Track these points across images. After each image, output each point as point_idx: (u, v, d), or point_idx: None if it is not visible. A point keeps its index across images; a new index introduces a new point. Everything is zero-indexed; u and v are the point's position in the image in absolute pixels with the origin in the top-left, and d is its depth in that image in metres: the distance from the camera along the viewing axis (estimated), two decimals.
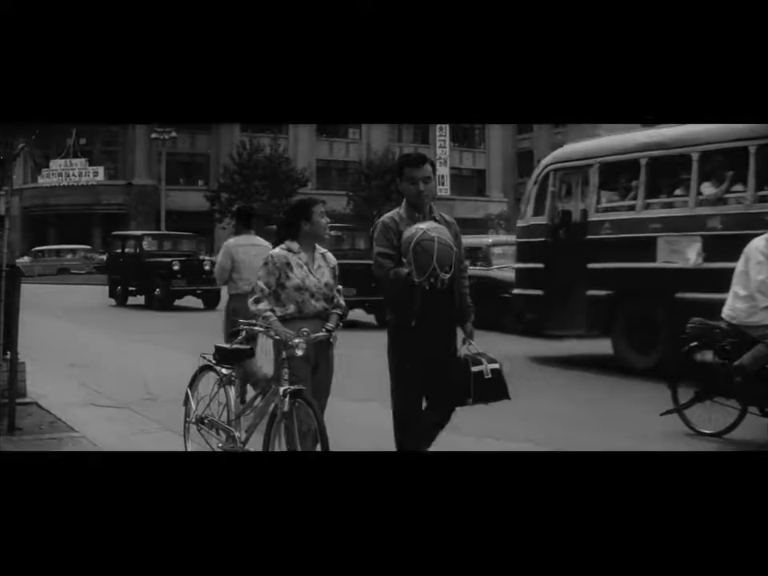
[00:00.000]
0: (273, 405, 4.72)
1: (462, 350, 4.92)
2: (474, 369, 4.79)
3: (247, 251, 7.66)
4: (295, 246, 4.96)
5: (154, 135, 45.83)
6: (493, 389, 4.85)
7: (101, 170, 52.54)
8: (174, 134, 46.16)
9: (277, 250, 5.01)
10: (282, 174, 46.27)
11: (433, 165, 4.87)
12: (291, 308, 4.87)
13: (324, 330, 4.85)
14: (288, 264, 4.89)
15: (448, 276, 4.55)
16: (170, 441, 6.37)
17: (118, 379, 9.45)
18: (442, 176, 57.75)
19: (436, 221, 4.78)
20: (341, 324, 4.98)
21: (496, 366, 4.88)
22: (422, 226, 4.56)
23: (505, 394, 4.91)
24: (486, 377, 4.80)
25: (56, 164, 52.50)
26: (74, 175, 52.22)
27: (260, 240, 7.91)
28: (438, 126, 59.01)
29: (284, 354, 4.69)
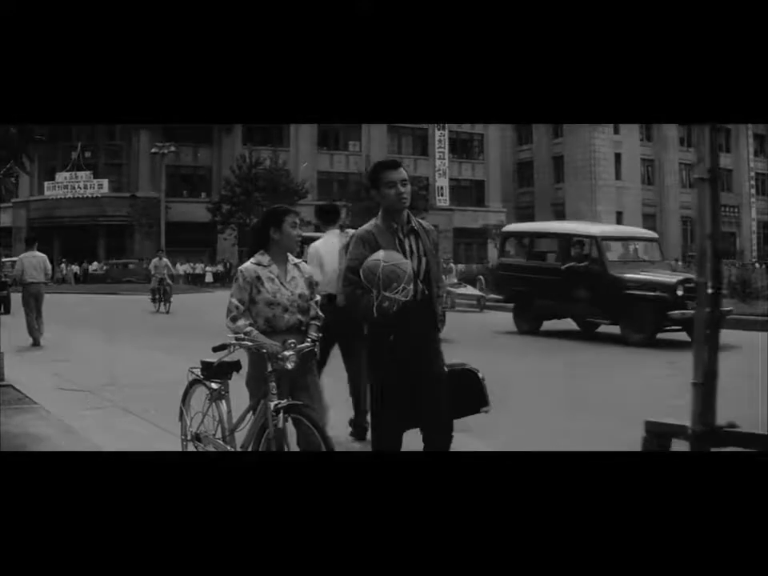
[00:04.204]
0: (262, 421, 4.57)
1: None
2: (481, 375, 4.81)
3: (30, 260, 14.32)
4: (265, 258, 4.76)
5: (153, 150, 46.52)
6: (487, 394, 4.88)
7: (105, 182, 53.24)
8: (173, 147, 46.87)
9: (246, 264, 4.80)
10: (281, 186, 47.01)
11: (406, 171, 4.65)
12: (261, 323, 4.68)
13: (308, 340, 4.71)
14: (258, 278, 4.69)
15: (403, 297, 4.31)
16: (116, 416, 7.86)
17: (88, 370, 10.97)
18: (441, 187, 58.28)
19: (414, 230, 4.57)
20: (321, 334, 4.84)
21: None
22: (377, 255, 4.38)
23: (485, 401, 4.91)
24: (484, 382, 4.83)
25: (61, 177, 53.30)
26: (79, 188, 52.95)
27: (38, 253, 14.63)
28: (437, 138, 59.56)
29: (269, 368, 4.51)
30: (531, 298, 15.51)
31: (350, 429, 6.97)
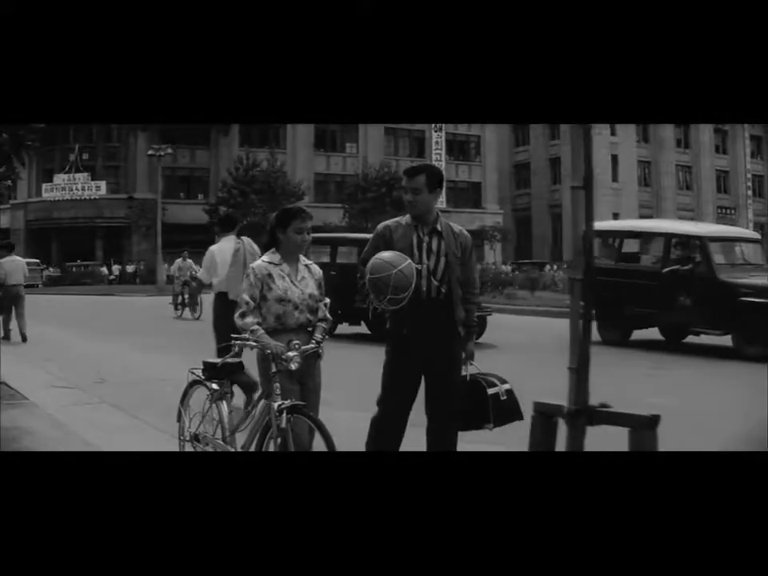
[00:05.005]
0: (265, 421, 4.60)
1: (464, 371, 4.75)
2: (491, 391, 4.63)
3: (10, 264, 15.34)
4: (276, 257, 4.81)
5: (150, 152, 46.71)
6: (508, 410, 4.68)
7: (103, 184, 53.38)
8: (169, 149, 47.06)
9: (258, 262, 4.87)
10: (278, 189, 47.21)
11: (432, 175, 4.75)
12: (271, 320, 4.71)
13: (313, 341, 4.74)
14: (270, 275, 4.73)
15: (392, 306, 4.47)
16: (101, 411, 8.18)
17: (79, 368, 11.29)
18: None
19: (437, 230, 4.74)
20: (326, 336, 4.87)
21: (508, 386, 4.72)
22: (382, 256, 4.53)
23: (518, 414, 4.67)
24: (501, 399, 4.66)
25: (59, 178, 53.46)
26: (76, 189, 53.07)
27: (17, 257, 16.00)
28: (434, 139, 59.76)
29: (273, 368, 4.55)
30: (622, 305, 13.59)
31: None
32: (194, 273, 22.11)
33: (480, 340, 12.76)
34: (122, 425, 7.40)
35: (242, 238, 8.26)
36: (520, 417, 4.62)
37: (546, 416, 2.98)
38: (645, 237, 14.80)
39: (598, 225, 17.64)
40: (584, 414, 2.83)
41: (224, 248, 8.23)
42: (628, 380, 10.04)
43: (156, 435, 6.70)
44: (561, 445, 2.98)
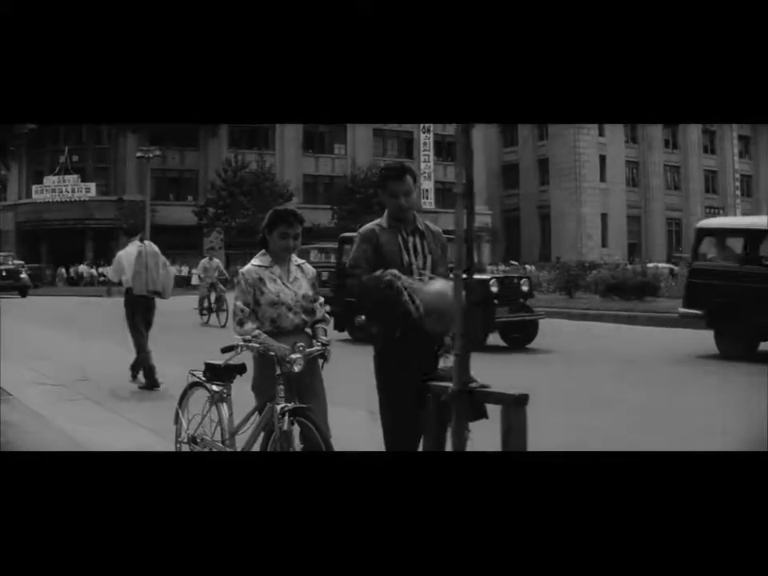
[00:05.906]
0: (268, 424, 4.55)
1: (440, 363, 4.55)
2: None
3: None
4: (267, 259, 4.74)
5: (139, 154, 46.89)
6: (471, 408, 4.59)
7: (92, 186, 53.57)
8: (158, 152, 47.29)
9: (247, 266, 4.76)
10: (266, 190, 47.45)
11: (414, 176, 4.65)
12: (267, 324, 4.66)
13: (319, 343, 4.70)
14: (260, 279, 4.67)
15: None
16: (84, 407, 8.48)
17: (63, 366, 11.57)
18: (426, 190, 58.45)
19: (418, 229, 4.62)
20: (328, 338, 4.80)
21: (476, 384, 4.44)
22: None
23: (482, 412, 4.18)
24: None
25: (49, 180, 53.65)
26: (66, 191, 53.26)
27: None
28: (422, 140, 59.95)
29: (278, 370, 4.50)
30: (750, 314, 11.73)
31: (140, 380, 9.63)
32: (223, 274, 20.37)
33: (530, 345, 12.58)
34: (102, 420, 7.72)
35: (144, 241, 10.23)
36: (484, 416, 4.17)
37: (437, 396, 3.33)
38: None
39: (711, 222, 17.24)
40: (465, 393, 3.19)
41: (130, 251, 10.06)
42: (604, 376, 10.38)
43: (137, 431, 7.00)
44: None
